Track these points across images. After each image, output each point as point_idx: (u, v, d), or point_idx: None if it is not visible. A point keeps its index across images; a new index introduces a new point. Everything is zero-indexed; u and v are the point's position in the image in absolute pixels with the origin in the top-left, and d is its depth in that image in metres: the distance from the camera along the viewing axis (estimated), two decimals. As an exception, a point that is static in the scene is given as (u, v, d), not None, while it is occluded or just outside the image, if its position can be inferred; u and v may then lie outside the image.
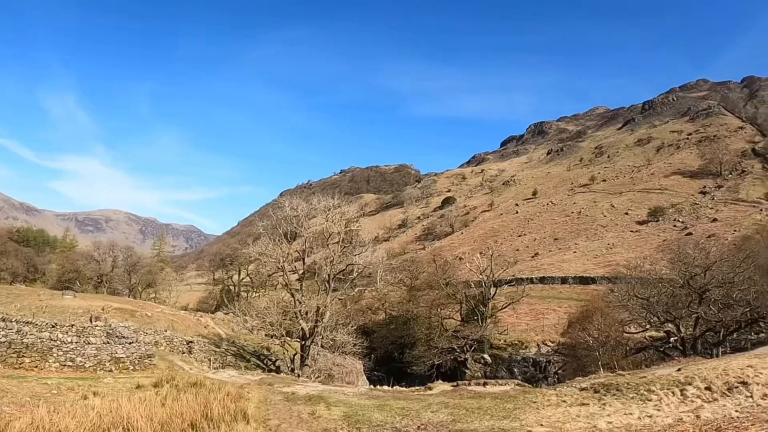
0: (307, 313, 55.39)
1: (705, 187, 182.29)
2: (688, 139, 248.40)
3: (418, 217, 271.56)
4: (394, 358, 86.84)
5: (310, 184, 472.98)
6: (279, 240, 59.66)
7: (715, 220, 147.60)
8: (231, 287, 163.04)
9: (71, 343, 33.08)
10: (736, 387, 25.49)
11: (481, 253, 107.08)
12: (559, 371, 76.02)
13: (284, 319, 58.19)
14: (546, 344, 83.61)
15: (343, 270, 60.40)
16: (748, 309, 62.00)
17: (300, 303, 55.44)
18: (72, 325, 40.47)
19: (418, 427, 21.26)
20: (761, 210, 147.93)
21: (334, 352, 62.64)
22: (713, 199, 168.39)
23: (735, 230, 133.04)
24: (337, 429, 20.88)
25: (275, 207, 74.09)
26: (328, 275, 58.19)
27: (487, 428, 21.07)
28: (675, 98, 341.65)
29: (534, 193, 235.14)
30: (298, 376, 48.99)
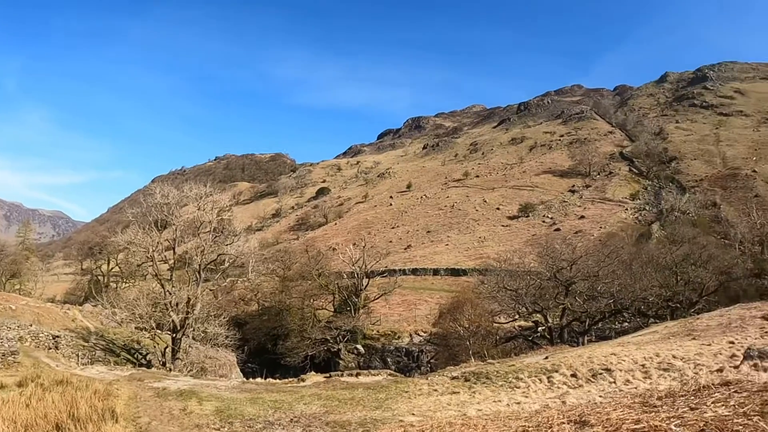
0: (177, 305, 53.96)
1: (574, 186, 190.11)
2: (560, 140, 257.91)
3: (292, 207, 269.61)
4: (267, 349, 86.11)
5: (184, 171, 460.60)
6: (149, 228, 57.71)
7: (582, 217, 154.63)
8: (100, 277, 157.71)
9: (-77, 339, 31.16)
10: (601, 373, 26.71)
11: (354, 244, 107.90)
12: (431, 360, 77.45)
13: (154, 311, 56.52)
14: (418, 334, 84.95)
15: (215, 260, 59.42)
16: (611, 300, 65.35)
17: (170, 294, 53.90)
18: (-76, 319, 38.04)
19: (291, 419, 21.21)
20: (626, 209, 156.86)
21: (206, 345, 61.56)
22: (581, 197, 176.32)
23: (601, 227, 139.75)
24: (209, 424, 20.56)
25: (147, 194, 71.67)
26: (199, 265, 56.97)
27: (359, 419, 21.24)
28: (550, 101, 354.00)
29: (408, 186, 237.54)
30: (170, 370, 47.89)
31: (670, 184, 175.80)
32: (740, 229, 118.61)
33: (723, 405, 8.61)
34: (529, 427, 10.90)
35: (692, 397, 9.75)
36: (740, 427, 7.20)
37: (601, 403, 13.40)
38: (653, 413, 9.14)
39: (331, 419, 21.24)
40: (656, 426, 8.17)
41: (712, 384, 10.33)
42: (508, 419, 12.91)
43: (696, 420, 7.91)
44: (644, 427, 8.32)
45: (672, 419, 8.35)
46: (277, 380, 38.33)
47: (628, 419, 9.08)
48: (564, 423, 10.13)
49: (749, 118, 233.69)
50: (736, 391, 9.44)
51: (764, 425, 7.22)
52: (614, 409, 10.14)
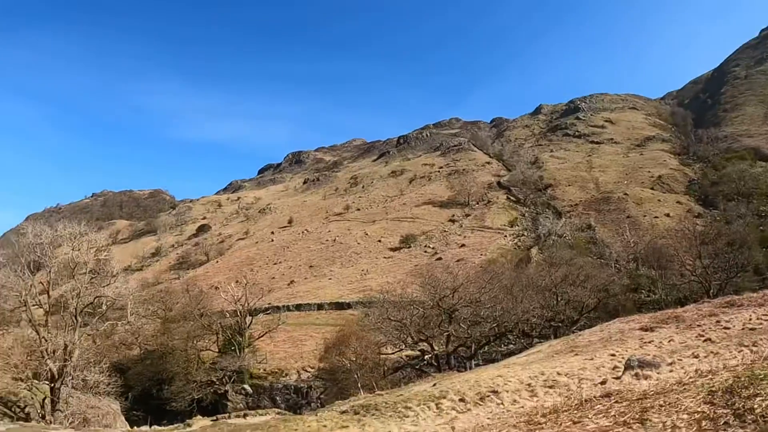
0: (54, 352, 51.67)
1: (454, 215, 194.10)
2: (439, 171, 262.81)
3: (173, 245, 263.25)
4: (152, 395, 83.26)
5: (60, 208, 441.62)
6: (21, 270, 55.24)
7: (463, 245, 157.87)
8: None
9: None
10: (488, 396, 27.28)
11: (236, 281, 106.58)
12: (321, 396, 77.07)
13: (30, 360, 53.93)
14: (306, 370, 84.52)
15: (92, 303, 57.21)
16: (495, 324, 67.16)
17: (46, 341, 51.63)
18: None
19: (182, 468, 20.81)
20: (505, 236, 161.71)
21: (87, 394, 59.07)
22: (461, 226, 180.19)
23: (482, 254, 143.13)
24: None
25: (19, 233, 68.75)
26: (76, 309, 54.74)
27: (248, 463, 21.07)
28: (429, 134, 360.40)
29: (290, 222, 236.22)
30: (50, 422, 45.74)
31: (547, 209, 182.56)
32: (615, 248, 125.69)
33: (604, 416, 9.13)
34: None
35: (575, 411, 10.26)
36: None
37: (488, 425, 13.86)
38: (537, 430, 9.58)
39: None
40: None
41: (595, 396, 10.91)
42: None
43: None
44: None
45: None
46: (164, 427, 37.35)
47: None
48: None
49: (619, 145, 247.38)
50: (616, 401, 10.01)
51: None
52: (500, 430, 10.55)
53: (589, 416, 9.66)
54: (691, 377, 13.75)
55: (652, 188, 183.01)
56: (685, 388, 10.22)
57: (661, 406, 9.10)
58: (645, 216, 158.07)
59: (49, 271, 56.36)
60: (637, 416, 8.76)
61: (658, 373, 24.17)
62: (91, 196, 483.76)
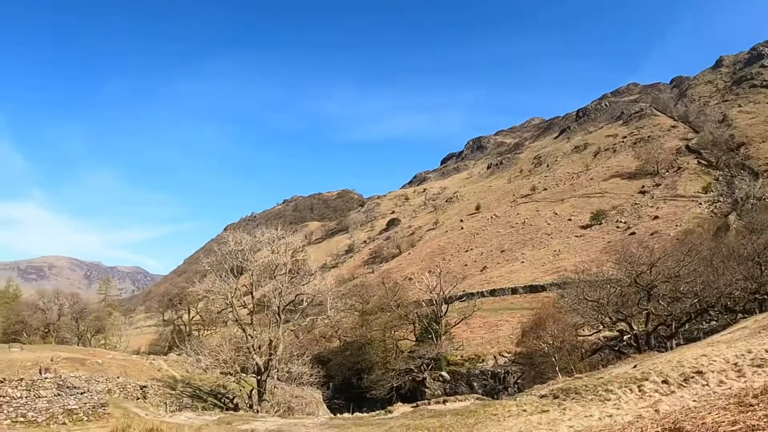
0: (260, 347, 54.58)
1: (644, 186, 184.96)
2: (623, 142, 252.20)
3: (364, 241, 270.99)
4: (352, 384, 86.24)
5: (254, 217, 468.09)
6: (226, 276, 58.64)
7: (656, 217, 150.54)
8: (181, 327, 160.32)
9: (21, 398, 32.14)
10: (692, 377, 25.85)
11: (429, 271, 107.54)
12: (518, 381, 76.33)
13: (238, 356, 57.19)
14: (502, 355, 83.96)
15: (293, 300, 59.81)
16: (696, 300, 63.30)
17: (252, 337, 54.61)
18: (21, 379, 39.17)
19: (382, 452, 21.08)
20: (700, 203, 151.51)
21: (291, 384, 61.89)
22: (653, 197, 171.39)
23: (677, 225, 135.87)
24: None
25: (220, 242, 73.04)
26: (278, 307, 57.54)
27: (450, 446, 20.97)
28: (608, 104, 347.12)
29: (477, 208, 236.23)
30: (257, 411, 48.26)
31: (742, 171, 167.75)
32: None
33: None
34: None
35: None
36: None
37: (695, 407, 12.89)
38: (750, 412, 8.70)
39: (420, 448, 21.03)
40: (753, 426, 7.75)
41: None
42: None
43: None
44: (741, 428, 7.89)
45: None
46: (365, 414, 38.23)
47: (724, 421, 8.66)
48: (657, 430, 9.74)
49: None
50: None
51: None
52: (709, 413, 9.69)
53: None
54: None
55: None
56: None
57: None
58: None
59: (252, 274, 59.51)
60: None
61: None
62: (283, 203, 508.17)
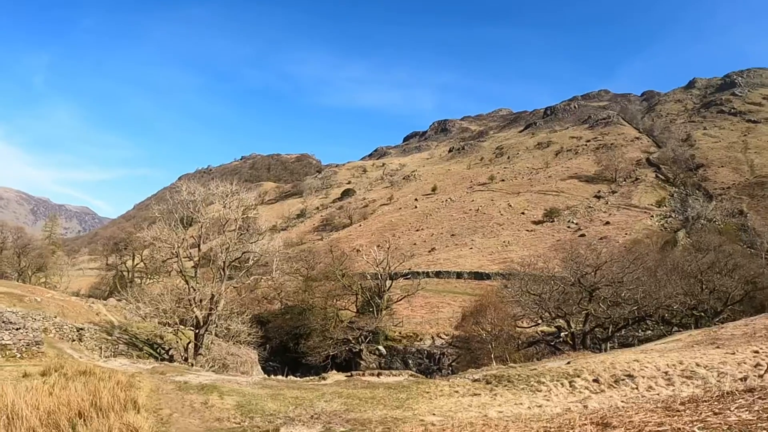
0: (201, 301, 54.26)
1: (600, 191, 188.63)
2: (586, 145, 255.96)
3: (317, 208, 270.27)
4: (289, 348, 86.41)
5: (210, 170, 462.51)
6: (175, 225, 58.07)
7: (608, 223, 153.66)
8: (124, 273, 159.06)
9: (-50, 327, 31.62)
10: (623, 379, 26.56)
11: (378, 245, 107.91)
12: (453, 363, 77.32)
13: (178, 307, 56.84)
14: (440, 337, 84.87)
15: (239, 258, 59.43)
16: (635, 307, 64.72)
17: (194, 290, 54.29)
18: (-49, 310, 38.49)
19: (311, 416, 21.23)
20: (652, 216, 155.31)
21: (228, 342, 61.80)
22: (607, 203, 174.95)
23: (626, 233, 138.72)
24: (229, 418, 20.66)
25: (173, 191, 72.34)
26: (224, 262, 57.13)
27: (380, 417, 21.21)
28: (577, 106, 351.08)
29: (434, 189, 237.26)
30: (192, 365, 48.12)
31: (697, 191, 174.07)
32: (767, 238, 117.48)
33: (747, 410, 8.50)
34: (550, 428, 10.81)
35: (715, 403, 9.64)
36: (764, 431, 7.07)
37: (623, 407, 13.28)
38: (676, 416, 9.05)
39: (351, 417, 21.25)
40: (679, 429, 8.07)
41: (736, 390, 10.22)
42: (529, 421, 12.85)
43: (719, 424, 7.80)
44: (667, 429, 8.22)
45: (695, 423, 8.25)
46: (298, 378, 38.44)
47: (650, 422, 8.99)
48: (586, 424, 10.04)
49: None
50: (760, 398, 9.33)
51: None
52: (636, 413, 10.05)
53: (731, 409, 9.04)
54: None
55: None
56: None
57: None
58: None
59: (201, 227, 58.92)
60: None
61: None
62: (241, 159, 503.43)
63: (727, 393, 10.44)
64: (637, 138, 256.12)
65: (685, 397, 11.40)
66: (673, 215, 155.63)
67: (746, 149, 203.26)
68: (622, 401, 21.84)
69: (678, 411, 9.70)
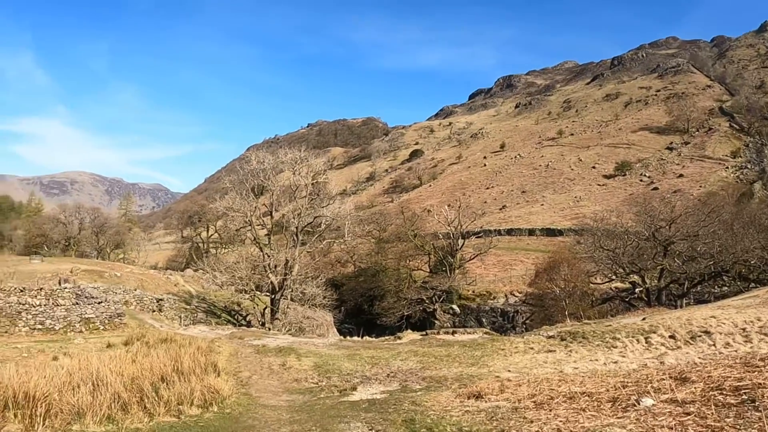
0: (276, 267, 55.23)
1: (672, 143, 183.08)
2: (656, 95, 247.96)
3: (386, 170, 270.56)
4: (363, 310, 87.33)
5: (277, 139, 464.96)
6: (246, 194, 58.98)
7: (681, 175, 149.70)
8: (200, 244, 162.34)
9: (40, 306, 32.98)
10: (699, 336, 25.98)
11: (449, 205, 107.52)
12: (526, 321, 76.96)
13: (253, 274, 58.01)
14: (514, 295, 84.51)
15: (311, 223, 60.03)
16: (711, 262, 62.98)
17: (268, 257, 55.24)
18: (41, 289, 40.08)
19: (388, 375, 21.43)
20: (727, 167, 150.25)
21: (304, 306, 62.82)
22: (680, 155, 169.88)
23: (701, 186, 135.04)
24: (307, 378, 21.01)
25: (242, 162, 73.41)
26: (296, 228, 57.93)
27: (455, 374, 21.28)
28: (644, 55, 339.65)
29: (502, 146, 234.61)
30: (269, 329, 49.12)
31: None
32: None
33: None
34: (628, 382, 10.70)
35: None
36: None
37: (701, 363, 13.06)
38: (756, 372, 8.83)
39: (427, 374, 21.37)
40: (759, 383, 7.87)
41: None
42: (606, 376, 12.74)
43: None
44: (746, 384, 8.03)
45: None
46: (374, 339, 38.83)
47: (730, 377, 8.80)
48: (664, 379, 9.91)
49: None
50: None
51: None
52: (715, 369, 9.84)
53: None
54: None
55: None
56: None
57: None
58: None
59: (272, 195, 59.72)
60: None
61: None
62: (307, 127, 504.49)
63: None
64: (709, 86, 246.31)
65: (765, 354, 11.14)
66: (748, 166, 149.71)
67: None
68: (700, 357, 21.40)
69: (757, 366, 9.47)
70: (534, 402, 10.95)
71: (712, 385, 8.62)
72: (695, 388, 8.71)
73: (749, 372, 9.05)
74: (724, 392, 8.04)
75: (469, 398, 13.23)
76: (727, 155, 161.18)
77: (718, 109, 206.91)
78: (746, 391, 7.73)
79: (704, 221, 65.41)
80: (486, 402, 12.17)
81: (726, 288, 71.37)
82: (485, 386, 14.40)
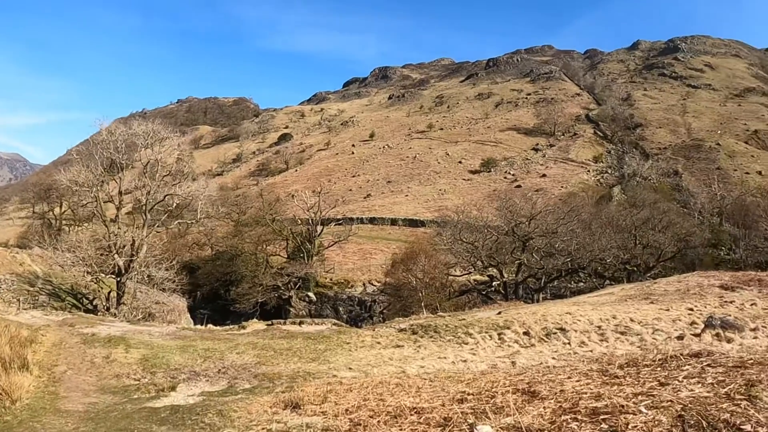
0: (123, 247, 52.53)
1: (538, 144, 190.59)
2: (527, 98, 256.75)
3: (254, 153, 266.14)
4: (220, 295, 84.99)
5: (145, 113, 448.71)
6: (95, 167, 55.73)
7: (544, 175, 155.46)
8: (52, 221, 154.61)
9: None
10: (554, 333, 26.13)
11: (313, 191, 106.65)
12: (384, 311, 77.06)
13: (100, 254, 54.97)
14: (372, 284, 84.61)
15: (161, 201, 57.42)
16: (569, 259, 65.23)
17: (114, 235, 52.40)
18: None
19: (219, 370, 20.25)
20: (588, 171, 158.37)
21: (156, 289, 60.21)
22: (544, 156, 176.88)
23: (562, 186, 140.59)
24: (129, 374, 19.42)
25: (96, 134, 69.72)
26: (145, 206, 55.15)
27: (291, 372, 20.35)
28: (519, 59, 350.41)
29: (371, 136, 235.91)
30: (115, 315, 46.62)
31: (634, 149, 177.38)
32: (700, 199, 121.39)
33: (698, 382, 7.46)
34: (469, 393, 9.65)
35: (659, 369, 8.65)
36: (727, 414, 6.09)
37: (554, 367, 12.36)
38: (615, 386, 7.95)
39: (261, 371, 20.32)
40: (621, 405, 6.96)
41: (681, 354, 9.32)
42: (447, 381, 11.90)
43: (670, 401, 6.74)
44: (606, 405, 7.08)
45: (640, 397, 7.17)
46: (217, 327, 37.41)
47: (586, 393, 7.84)
48: (509, 393, 8.92)
49: (717, 92, 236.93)
50: (709, 365, 8.36)
51: (756, 413, 6.12)
52: (569, 377, 8.94)
53: (679, 379, 7.96)
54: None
55: (746, 142, 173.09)
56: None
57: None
58: (735, 170, 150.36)
59: (121, 169, 56.77)
60: (743, 390, 7.03)
61: (741, 338, 22.79)
62: (177, 102, 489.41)
63: (671, 357, 9.52)
64: (578, 94, 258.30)
65: (623, 359, 10.44)
66: (609, 171, 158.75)
67: (684, 112, 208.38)
68: (553, 358, 21.33)
69: (617, 377, 8.69)
70: (351, 421, 9.97)
71: (564, 405, 7.62)
72: (545, 408, 7.69)
73: (608, 386, 8.14)
74: (579, 417, 7.08)
75: (285, 408, 12.25)
76: (589, 160, 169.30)
77: (585, 117, 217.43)
78: (605, 416, 6.80)
79: (564, 219, 67.90)
80: (300, 416, 11.21)
81: (582, 284, 74.70)
82: (310, 392, 13.45)
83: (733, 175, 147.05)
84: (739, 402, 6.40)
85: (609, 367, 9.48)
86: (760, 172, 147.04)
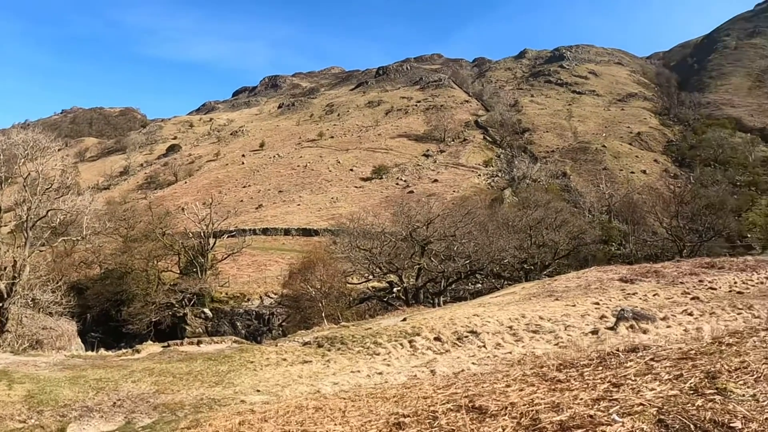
0: (5, 269, 49.43)
1: (428, 150, 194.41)
2: (416, 105, 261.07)
3: (141, 165, 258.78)
4: (111, 316, 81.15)
5: (28, 124, 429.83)
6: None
7: (436, 180, 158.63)
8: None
9: None
10: (467, 336, 25.85)
11: (204, 203, 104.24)
12: (283, 323, 75.75)
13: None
14: (269, 296, 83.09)
15: (44, 217, 54.37)
16: (468, 261, 65.86)
17: (-7, 257, 49.24)
18: None
19: (114, 403, 18.90)
20: (479, 175, 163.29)
21: (43, 314, 56.88)
22: (435, 162, 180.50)
23: (454, 191, 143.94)
24: (13, 415, 17.59)
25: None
26: (26, 223, 52.02)
27: (194, 399, 19.29)
28: (409, 67, 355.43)
29: (261, 145, 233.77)
30: None
31: (523, 153, 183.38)
32: (589, 198, 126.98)
33: (654, 379, 6.80)
34: (404, 415, 8.32)
35: (601, 368, 7.97)
36: (709, 412, 5.49)
37: (482, 374, 11.47)
38: (566, 392, 7.10)
39: (160, 401, 19.14)
40: (590, 416, 6.08)
41: (617, 350, 8.77)
42: (371, 400, 10.93)
43: (641, 404, 6.02)
44: (572, 417, 6.15)
45: (603, 403, 6.36)
46: (110, 353, 35.47)
47: (539, 404, 6.89)
48: (452, 411, 7.77)
49: (601, 98, 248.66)
50: (653, 359, 7.75)
51: (737, 407, 5.54)
52: (507, 386, 8.07)
53: (630, 377, 7.23)
54: (704, 335, 11.74)
55: (630, 144, 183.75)
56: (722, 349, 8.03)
57: (729, 371, 6.79)
58: (621, 170, 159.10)
59: (2, 183, 53.55)
60: (707, 383, 6.43)
61: (655, 327, 23.27)
62: (61, 113, 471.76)
63: (609, 354, 8.92)
64: (467, 101, 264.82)
65: (554, 360, 9.74)
66: (499, 175, 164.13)
67: (570, 117, 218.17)
68: (474, 363, 20.86)
69: (560, 382, 7.90)
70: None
71: (523, 422, 6.55)
72: (503, 428, 6.60)
73: (557, 392, 7.22)
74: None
75: (193, 450, 11.27)
76: (479, 164, 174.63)
77: (474, 122, 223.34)
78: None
79: (461, 222, 68.42)
80: (211, 460, 10.25)
81: (480, 285, 75.79)
82: (220, 425, 12.53)
83: (619, 174, 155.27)
84: (712, 397, 5.90)
85: (544, 370, 8.79)
86: (644, 171, 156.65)
